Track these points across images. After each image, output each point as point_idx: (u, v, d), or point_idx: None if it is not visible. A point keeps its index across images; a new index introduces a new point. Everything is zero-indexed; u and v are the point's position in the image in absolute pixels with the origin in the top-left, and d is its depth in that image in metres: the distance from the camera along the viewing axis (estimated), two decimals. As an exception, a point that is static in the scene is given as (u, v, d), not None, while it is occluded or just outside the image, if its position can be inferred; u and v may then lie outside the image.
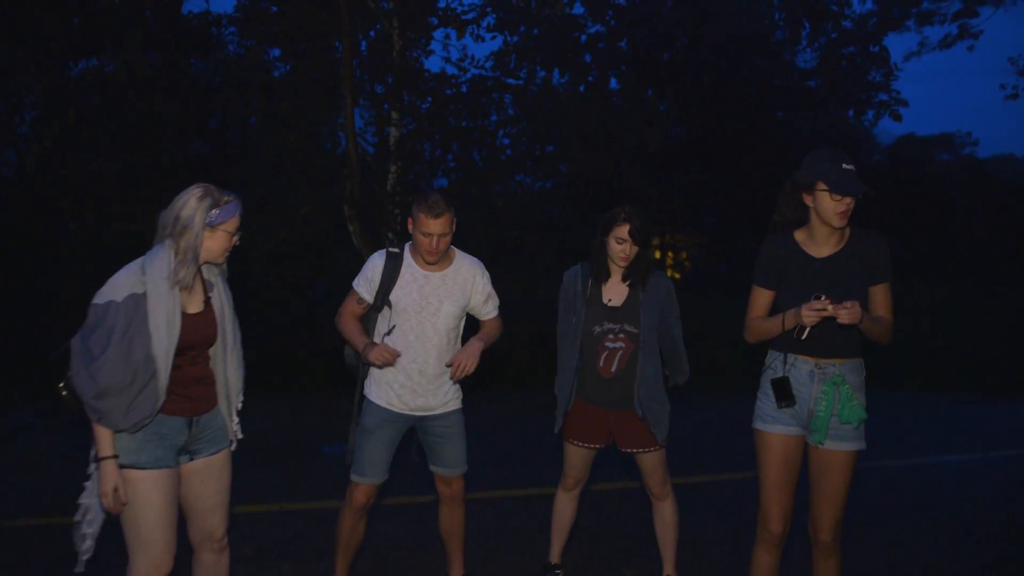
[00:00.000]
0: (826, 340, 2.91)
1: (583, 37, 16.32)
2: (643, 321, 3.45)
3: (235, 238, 2.73)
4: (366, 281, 3.41)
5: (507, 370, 9.09)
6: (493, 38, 10.37)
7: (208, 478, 2.83)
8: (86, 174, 9.03)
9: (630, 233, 3.41)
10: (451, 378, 3.32)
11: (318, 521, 4.69)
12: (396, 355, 3.26)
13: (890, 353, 10.65)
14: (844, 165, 2.83)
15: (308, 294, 8.87)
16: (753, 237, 20.23)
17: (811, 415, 2.95)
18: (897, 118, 19.15)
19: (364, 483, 3.40)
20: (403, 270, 3.39)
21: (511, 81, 10.84)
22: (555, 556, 3.87)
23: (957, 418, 8.84)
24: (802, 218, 3.01)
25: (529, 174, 12.05)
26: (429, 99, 10.01)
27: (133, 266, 2.60)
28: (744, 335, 3.15)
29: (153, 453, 2.61)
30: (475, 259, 3.55)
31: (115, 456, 2.54)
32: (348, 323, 3.42)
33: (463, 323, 3.56)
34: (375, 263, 3.43)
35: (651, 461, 3.58)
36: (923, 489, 5.77)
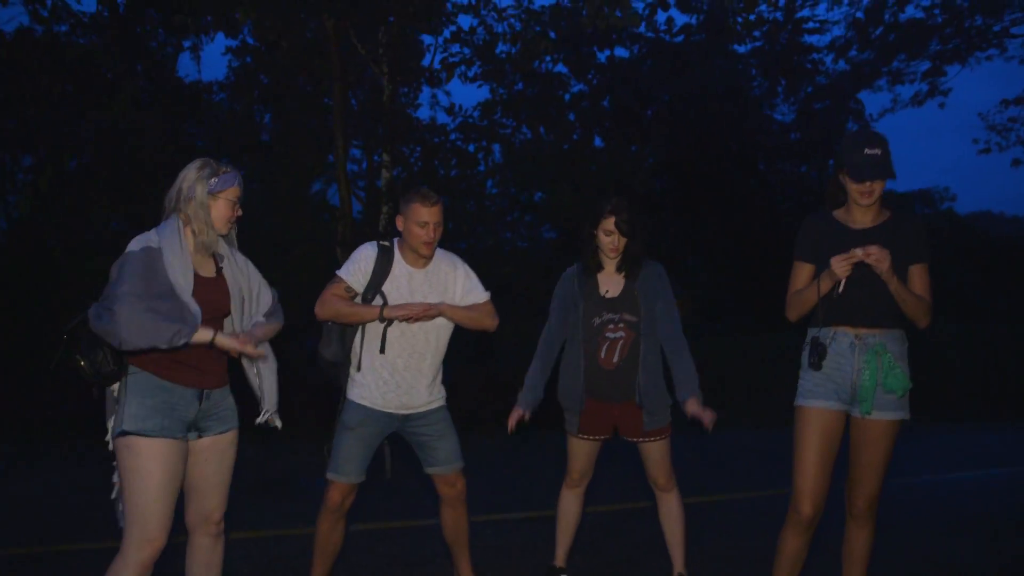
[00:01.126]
0: (865, 309, 2.91)
1: (567, 96, 16.81)
2: (643, 309, 3.48)
3: (237, 208, 2.81)
4: (358, 271, 3.34)
5: (501, 409, 9.03)
6: (479, 86, 10.66)
7: (212, 457, 2.80)
8: (79, 222, 9.08)
9: (616, 225, 3.47)
10: (389, 315, 3.26)
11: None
12: (426, 305, 3.24)
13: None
14: (867, 150, 2.83)
15: (301, 339, 8.79)
16: (743, 292, 20.38)
17: (854, 387, 2.92)
18: (875, 169, 19.58)
19: (340, 482, 3.33)
20: (394, 265, 3.38)
21: (499, 131, 11.06)
22: (560, 559, 3.79)
23: (957, 442, 8.93)
24: (844, 197, 3.06)
25: (519, 223, 12.18)
26: (419, 149, 10.19)
27: (144, 235, 2.68)
28: (786, 313, 3.12)
29: (160, 422, 2.59)
30: (451, 253, 3.55)
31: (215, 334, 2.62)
32: (343, 304, 3.30)
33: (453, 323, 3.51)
34: (367, 254, 3.38)
35: (656, 451, 3.55)
36: (938, 500, 5.79)
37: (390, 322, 3.35)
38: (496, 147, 11.12)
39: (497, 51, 10.42)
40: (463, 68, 9.54)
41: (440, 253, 3.49)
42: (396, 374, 3.37)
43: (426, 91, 11.47)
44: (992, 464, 7.50)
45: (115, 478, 2.72)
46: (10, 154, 14.40)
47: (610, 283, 3.57)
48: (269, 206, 9.12)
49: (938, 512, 5.42)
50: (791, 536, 3.02)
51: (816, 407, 2.96)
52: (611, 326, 3.50)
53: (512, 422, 3.50)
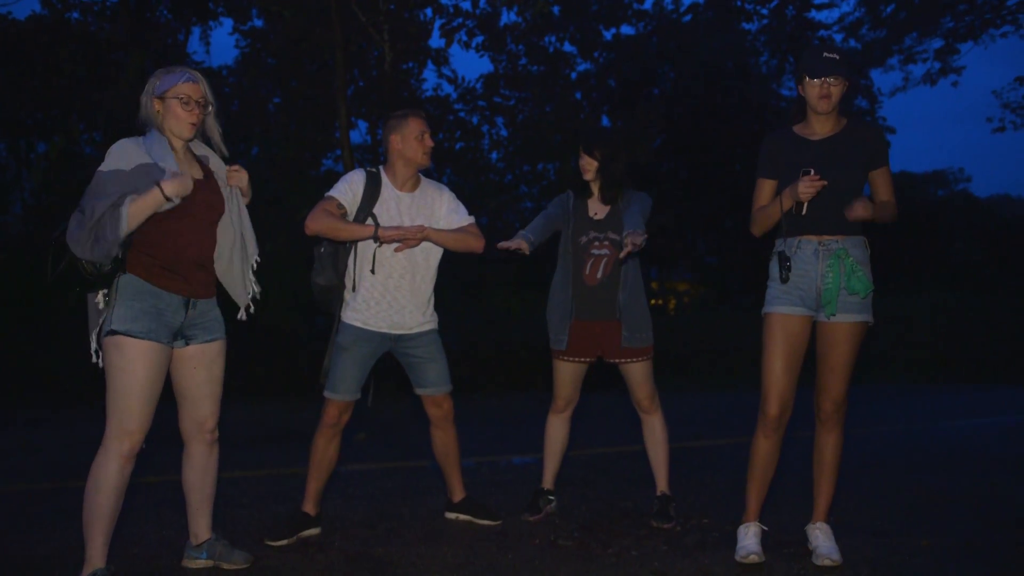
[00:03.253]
0: (827, 217, 3.00)
1: (573, 75, 16.86)
2: (625, 226, 3.58)
3: (196, 109, 2.78)
4: (348, 190, 3.43)
5: (505, 373, 9.25)
6: (481, 56, 10.76)
7: (200, 365, 2.91)
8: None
9: (585, 149, 3.64)
10: (383, 236, 3.32)
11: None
12: (419, 227, 3.34)
13: (894, 351, 11.34)
14: (826, 53, 2.94)
15: (307, 313, 8.97)
16: (751, 271, 20.28)
17: (819, 292, 3.01)
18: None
19: (336, 399, 3.45)
20: (382, 189, 3.50)
21: (500, 101, 11.14)
22: (547, 482, 3.90)
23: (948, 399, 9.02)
24: (804, 116, 3.14)
25: (523, 195, 12.29)
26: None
27: (133, 140, 2.73)
28: (751, 229, 3.22)
29: (147, 325, 2.70)
30: (437, 181, 3.75)
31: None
32: (337, 222, 3.33)
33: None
34: (357, 177, 3.50)
35: (638, 372, 3.65)
36: (915, 445, 5.84)
37: (381, 243, 3.45)
38: (500, 120, 11.22)
39: (501, 24, 10.53)
40: (463, 36, 9.61)
41: (425, 180, 3.65)
42: (387, 293, 3.48)
43: (431, 67, 11.61)
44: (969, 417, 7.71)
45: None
46: (26, 140, 14.70)
47: (598, 207, 3.71)
48: (273, 176, 9.29)
49: (941, 451, 5.51)
50: (761, 438, 3.13)
51: (782, 312, 3.05)
52: (596, 243, 3.64)
53: (511, 244, 3.43)
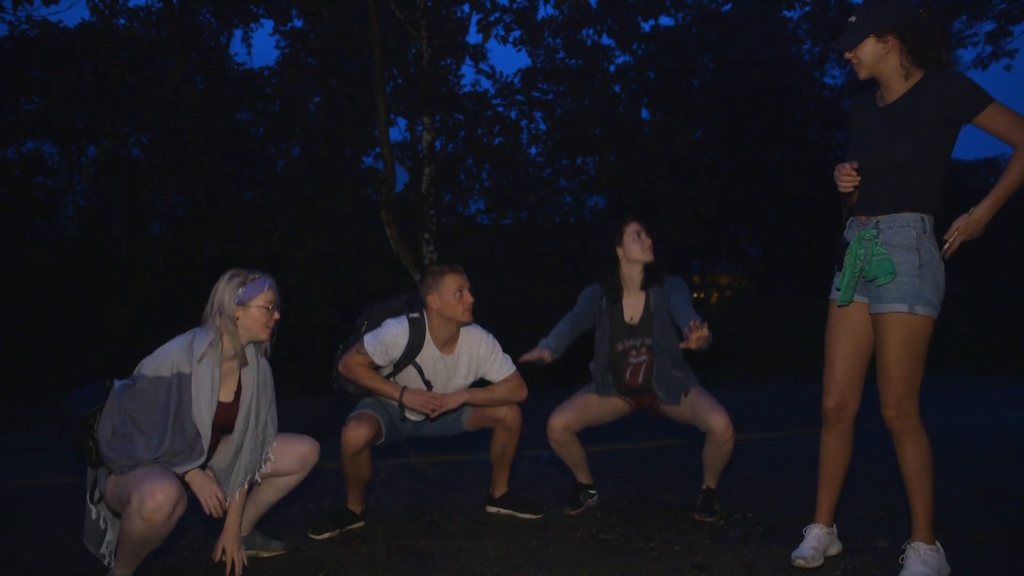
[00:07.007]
0: (876, 195, 2.72)
1: (612, 67, 16.74)
2: (656, 330, 3.56)
3: (275, 313, 2.80)
4: (384, 353, 3.39)
5: (545, 368, 9.22)
6: (519, 50, 10.74)
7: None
8: (137, 200, 9.49)
9: (643, 226, 3.59)
10: (407, 404, 3.41)
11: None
12: (441, 400, 3.38)
13: (948, 342, 11.07)
14: (849, 19, 2.73)
15: (347, 296, 9.04)
16: (794, 261, 19.93)
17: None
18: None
19: (354, 430, 3.39)
20: (424, 348, 3.43)
21: (538, 95, 11.14)
22: (587, 477, 3.88)
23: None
24: None
25: (562, 189, 12.27)
26: (460, 117, 10.36)
27: (184, 341, 2.70)
28: None
29: None
30: (476, 329, 3.52)
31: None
32: (365, 373, 3.40)
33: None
34: (396, 337, 3.39)
35: (686, 404, 3.58)
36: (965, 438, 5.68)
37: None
38: (538, 114, 11.23)
39: (538, 18, 10.51)
40: (501, 31, 9.60)
41: (468, 334, 3.52)
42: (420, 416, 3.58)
43: (469, 62, 11.64)
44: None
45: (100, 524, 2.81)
46: (76, 144, 15.17)
47: (633, 307, 3.63)
48: (314, 175, 9.41)
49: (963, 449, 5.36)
50: (823, 432, 2.95)
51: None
52: (633, 352, 3.61)
53: (532, 356, 3.44)
